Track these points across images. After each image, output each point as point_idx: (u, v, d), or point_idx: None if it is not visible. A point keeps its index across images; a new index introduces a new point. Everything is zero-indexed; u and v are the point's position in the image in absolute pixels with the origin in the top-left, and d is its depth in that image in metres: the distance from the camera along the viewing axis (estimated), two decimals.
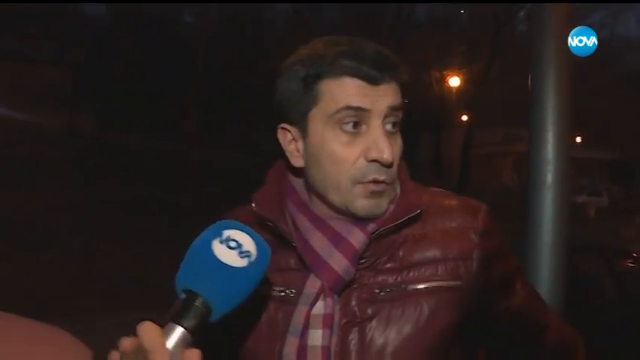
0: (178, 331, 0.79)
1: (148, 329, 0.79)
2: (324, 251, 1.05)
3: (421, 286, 1.05)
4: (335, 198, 1.05)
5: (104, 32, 22.29)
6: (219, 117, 21.68)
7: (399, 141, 1.07)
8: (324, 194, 1.06)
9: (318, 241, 1.06)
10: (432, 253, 1.07)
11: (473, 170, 26.14)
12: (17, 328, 0.95)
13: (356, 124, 1.02)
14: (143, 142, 18.32)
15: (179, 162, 16.77)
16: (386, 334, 1.03)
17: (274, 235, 1.08)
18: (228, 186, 15.76)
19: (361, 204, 1.04)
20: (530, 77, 1.88)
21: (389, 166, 1.03)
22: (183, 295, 0.84)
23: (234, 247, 0.84)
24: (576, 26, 1.78)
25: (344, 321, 1.04)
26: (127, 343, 0.80)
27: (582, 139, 32.50)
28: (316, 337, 1.03)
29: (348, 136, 1.02)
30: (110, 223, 11.78)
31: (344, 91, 1.01)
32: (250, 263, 0.84)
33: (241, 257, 0.84)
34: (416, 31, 24.65)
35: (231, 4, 21.10)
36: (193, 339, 0.81)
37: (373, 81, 1.02)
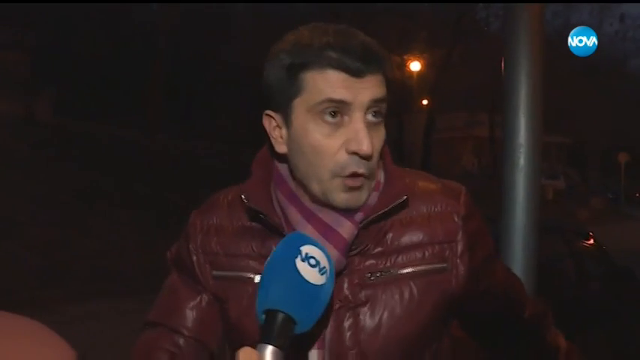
0: (271, 351, 0.84)
1: (247, 355, 0.83)
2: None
3: (409, 270, 1.09)
4: (316, 187, 1.06)
5: (64, 16, 21.65)
6: (182, 104, 21.40)
7: (381, 132, 1.08)
8: (305, 183, 1.08)
9: (309, 234, 1.06)
10: (419, 236, 1.10)
11: (434, 155, 26.45)
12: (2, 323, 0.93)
13: (335, 114, 1.03)
14: (103, 129, 17.99)
15: (140, 150, 16.53)
16: (378, 317, 1.07)
17: (265, 225, 1.10)
18: (188, 174, 15.67)
19: (339, 197, 1.05)
20: (503, 63, 1.93)
21: (368, 158, 1.04)
22: (264, 314, 0.87)
23: (314, 265, 0.88)
24: (575, 27, 1.81)
25: (337, 306, 1.06)
26: None
27: None
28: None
29: (330, 127, 1.03)
30: (70, 212, 11.58)
31: (327, 83, 1.02)
32: (328, 279, 0.89)
33: (321, 274, 0.88)
34: (376, 15, 24.68)
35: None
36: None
37: (357, 73, 1.02)
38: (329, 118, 1.03)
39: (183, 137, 19.46)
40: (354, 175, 1.04)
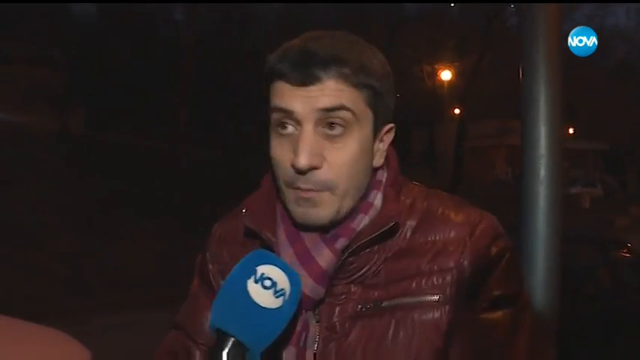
0: None
1: None
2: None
3: (400, 302, 1.01)
4: (283, 201, 1.03)
5: (93, 32, 22.15)
6: (210, 115, 21.64)
7: (345, 146, 0.99)
8: (279, 196, 1.05)
9: (288, 259, 1.02)
10: (415, 266, 1.02)
11: (466, 163, 26.19)
12: (17, 330, 0.95)
13: (286, 125, 0.99)
14: (133, 140, 18.30)
15: (166, 160, 16.74)
16: (364, 350, 1.00)
17: (261, 241, 1.07)
18: (214, 183, 15.80)
19: (294, 210, 1.01)
20: (521, 72, 1.88)
21: (304, 172, 0.97)
22: (216, 333, 0.83)
23: (269, 287, 0.83)
24: (576, 26, 1.77)
25: (325, 334, 1.02)
26: None
27: (575, 130, 32.62)
28: (290, 352, 1.02)
29: (281, 139, 1.00)
30: (101, 223, 11.76)
31: (275, 93, 1.00)
32: (285, 302, 0.84)
33: (276, 297, 0.83)
34: (406, 25, 24.65)
35: (221, 3, 21.03)
36: None
37: (299, 82, 0.97)
38: (280, 130, 1.00)
39: (208, 147, 19.68)
40: (299, 189, 0.99)
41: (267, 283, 0.83)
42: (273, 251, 1.03)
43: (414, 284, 1.01)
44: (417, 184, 1.11)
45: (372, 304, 1.01)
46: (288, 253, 1.03)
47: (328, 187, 0.99)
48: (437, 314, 1.00)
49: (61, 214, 11.67)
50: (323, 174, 0.98)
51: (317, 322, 1.03)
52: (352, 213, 1.03)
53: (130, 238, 11.33)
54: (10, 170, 13.22)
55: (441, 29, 24.31)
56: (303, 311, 1.02)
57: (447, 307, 1.00)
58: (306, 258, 1.02)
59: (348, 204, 1.01)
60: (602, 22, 27.20)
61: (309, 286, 1.00)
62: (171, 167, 16.32)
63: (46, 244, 10.16)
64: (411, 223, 1.05)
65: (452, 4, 24.33)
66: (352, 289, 1.02)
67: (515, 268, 1.08)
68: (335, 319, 1.02)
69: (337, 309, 1.02)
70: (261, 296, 0.82)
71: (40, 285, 8.39)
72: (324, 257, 1.01)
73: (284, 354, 1.02)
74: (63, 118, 18.90)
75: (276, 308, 0.83)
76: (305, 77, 0.97)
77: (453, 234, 1.02)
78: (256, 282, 0.83)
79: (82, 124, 19.82)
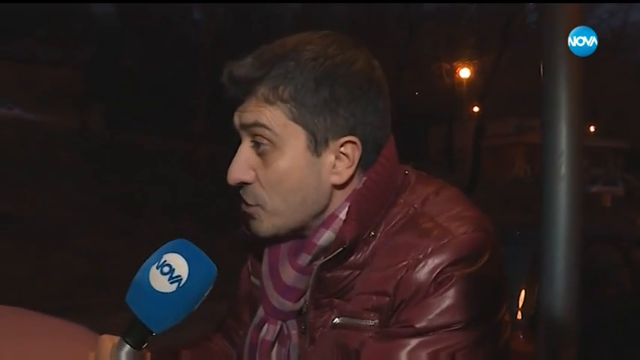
0: (125, 347, 0.90)
1: (102, 342, 0.94)
2: (265, 280, 1.05)
3: (347, 321, 0.97)
4: None
5: (113, 32, 22.35)
6: (228, 114, 21.75)
7: (273, 163, 0.97)
8: None
9: (264, 268, 1.05)
10: (374, 283, 0.95)
11: (485, 162, 26.04)
12: (42, 324, 0.99)
13: (240, 139, 1.01)
14: (151, 139, 18.43)
15: (186, 159, 16.84)
16: None
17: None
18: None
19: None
20: (542, 68, 1.85)
21: (237, 187, 1.00)
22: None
23: (166, 273, 0.89)
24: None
25: (305, 346, 1.02)
26: (90, 356, 0.94)
27: (596, 128, 32.27)
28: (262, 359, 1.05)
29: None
30: (120, 221, 11.87)
31: None
32: (179, 288, 0.89)
33: (171, 282, 0.89)
34: (425, 23, 24.55)
35: (238, 3, 21.11)
36: (143, 350, 0.92)
37: (236, 97, 1.00)
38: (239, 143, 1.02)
39: (228, 145, 19.76)
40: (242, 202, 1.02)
41: (166, 269, 0.89)
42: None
43: (360, 304, 0.96)
44: (432, 183, 1.03)
45: (338, 319, 0.98)
46: (265, 263, 1.06)
47: (258, 203, 0.99)
48: (365, 336, 0.95)
49: (81, 213, 11.80)
50: (252, 189, 0.99)
51: (303, 332, 1.03)
52: (317, 227, 1.00)
53: (149, 236, 11.42)
54: (31, 169, 13.39)
55: (460, 27, 24.18)
56: (278, 321, 1.04)
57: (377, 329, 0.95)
58: (273, 271, 1.03)
59: (289, 220, 0.99)
60: (626, 17, 26.86)
61: (275, 297, 1.02)
62: (191, 166, 16.42)
63: (66, 242, 10.28)
64: (389, 233, 0.98)
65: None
66: (335, 303, 0.99)
67: (456, 301, 0.91)
68: (316, 331, 1.01)
69: (320, 320, 1.00)
70: (157, 280, 0.89)
71: (60, 282, 8.48)
72: (287, 272, 1.01)
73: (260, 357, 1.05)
74: (84, 117, 19.12)
75: (169, 292, 0.88)
76: (235, 95, 1.00)
77: (414, 253, 0.94)
78: (157, 268, 0.90)
79: (102, 123, 20.03)
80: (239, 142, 1.03)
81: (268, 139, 0.97)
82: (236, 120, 1.00)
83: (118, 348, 0.91)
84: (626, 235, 7.01)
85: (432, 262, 0.92)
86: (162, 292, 0.88)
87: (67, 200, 12.26)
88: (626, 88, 29.71)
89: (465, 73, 24.99)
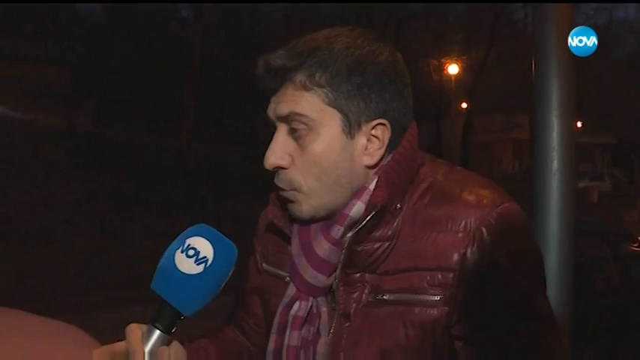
0: (156, 332, 0.93)
1: (130, 331, 0.95)
2: (296, 257, 1.07)
3: (402, 297, 1.00)
4: None
5: (101, 30, 22.21)
6: (217, 112, 21.68)
7: (309, 147, 1.02)
8: None
9: (294, 247, 1.08)
10: (420, 259, 1.00)
11: (473, 158, 26.14)
12: (29, 324, 0.98)
13: (275, 127, 1.06)
14: (139, 138, 18.34)
15: (175, 157, 16.77)
16: (368, 342, 1.01)
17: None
18: (223, 180, 15.80)
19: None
20: (534, 64, 1.87)
21: (274, 172, 1.05)
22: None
23: (192, 256, 0.92)
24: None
25: (339, 322, 1.03)
26: (118, 345, 0.95)
27: (583, 124, 32.45)
28: (293, 336, 1.07)
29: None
30: (109, 219, 11.80)
31: None
32: (206, 268, 0.92)
33: (197, 264, 0.92)
34: (412, 20, 24.58)
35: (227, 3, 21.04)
36: (173, 334, 0.95)
37: (270, 89, 1.05)
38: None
39: (217, 143, 19.71)
40: (278, 188, 1.06)
41: (191, 252, 0.93)
42: (290, 241, 1.10)
43: (416, 280, 0.99)
44: (444, 163, 1.13)
45: (380, 296, 1.01)
46: (295, 241, 1.09)
47: (294, 187, 1.04)
48: (436, 314, 0.98)
49: (69, 211, 11.72)
50: (288, 174, 1.04)
51: (333, 308, 1.05)
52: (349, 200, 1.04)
53: (139, 235, 11.37)
54: (19, 167, 13.29)
55: (447, 24, 24.23)
56: (311, 297, 1.06)
57: (447, 308, 0.98)
58: (306, 247, 1.06)
59: (326, 201, 1.04)
60: (611, 14, 27.00)
61: (309, 273, 1.05)
62: (179, 164, 16.36)
63: (55, 241, 10.21)
64: (418, 206, 1.03)
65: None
66: (367, 278, 1.03)
67: (531, 272, 1.02)
68: (350, 308, 1.03)
69: (353, 297, 1.03)
70: (183, 263, 0.92)
71: (50, 281, 8.42)
72: (321, 245, 1.04)
73: (294, 339, 1.06)
74: (71, 115, 18.99)
75: (197, 274, 0.91)
76: (269, 86, 1.04)
77: (461, 223, 0.99)
78: (182, 252, 0.93)
79: (90, 121, 19.92)
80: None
81: (305, 124, 1.02)
82: (271, 110, 1.05)
83: (149, 334, 0.93)
84: (613, 230, 7.07)
85: (488, 234, 0.98)
86: (190, 274, 0.92)
87: (55, 199, 12.17)
88: (612, 85, 29.89)
89: (453, 69, 25.07)
